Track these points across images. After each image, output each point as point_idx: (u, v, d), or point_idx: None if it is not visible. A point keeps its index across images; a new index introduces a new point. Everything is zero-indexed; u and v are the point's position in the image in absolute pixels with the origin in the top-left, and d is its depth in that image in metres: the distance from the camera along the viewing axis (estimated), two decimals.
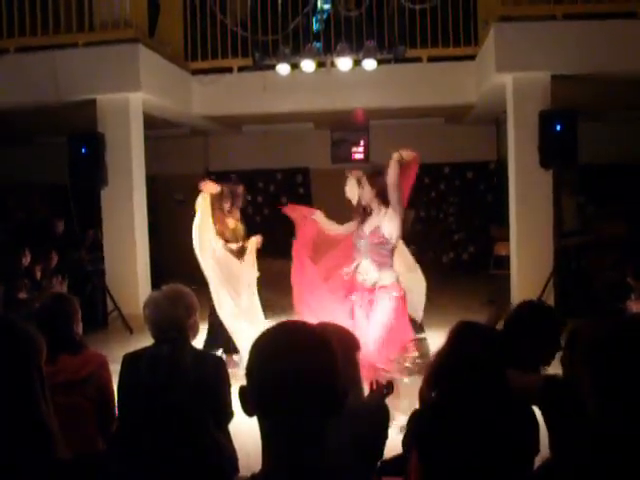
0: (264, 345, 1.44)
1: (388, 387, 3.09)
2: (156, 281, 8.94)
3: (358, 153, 13.99)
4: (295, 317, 5.61)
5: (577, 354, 2.90)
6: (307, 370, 1.37)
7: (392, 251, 5.44)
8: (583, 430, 2.18)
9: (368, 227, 5.43)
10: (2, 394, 1.62)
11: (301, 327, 1.48)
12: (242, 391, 1.43)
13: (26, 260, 9.00)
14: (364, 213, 5.51)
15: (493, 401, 2.61)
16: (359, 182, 5.47)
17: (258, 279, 7.04)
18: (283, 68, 9.70)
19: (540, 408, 3.02)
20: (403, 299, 5.41)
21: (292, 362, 1.37)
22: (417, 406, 3.18)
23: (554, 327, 3.39)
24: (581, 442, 2.10)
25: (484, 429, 2.55)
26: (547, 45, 8.51)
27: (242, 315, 6.60)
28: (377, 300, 5.34)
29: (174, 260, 10.90)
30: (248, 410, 1.43)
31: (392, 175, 5.23)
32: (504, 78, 8.89)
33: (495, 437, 2.54)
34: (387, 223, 5.32)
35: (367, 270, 5.38)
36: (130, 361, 3.34)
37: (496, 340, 2.76)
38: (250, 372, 1.43)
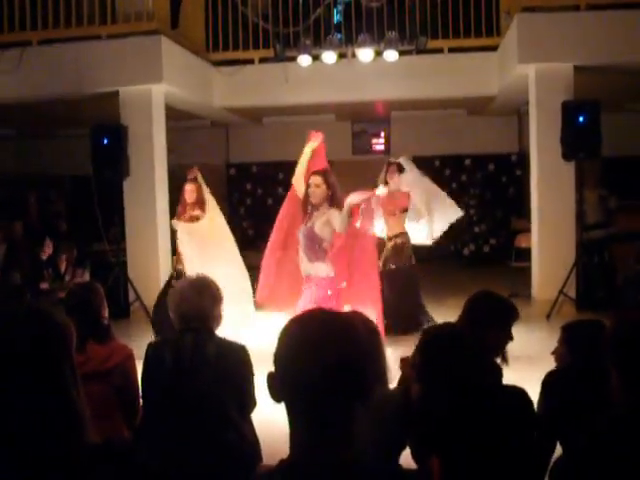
0: (293, 331, 1.45)
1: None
2: None
3: (379, 144, 13.99)
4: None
5: (595, 349, 2.91)
6: (336, 357, 1.38)
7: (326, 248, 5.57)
8: (608, 423, 2.18)
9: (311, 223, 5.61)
10: (33, 381, 1.65)
11: (330, 314, 1.49)
12: (270, 377, 1.45)
13: (48, 250, 9.09)
14: (311, 210, 5.64)
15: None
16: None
17: None
18: (304, 59, 9.69)
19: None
20: (337, 297, 5.54)
21: (321, 349, 1.38)
22: None
23: (508, 315, 3.37)
24: (607, 435, 2.10)
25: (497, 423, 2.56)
26: (570, 36, 8.44)
27: None
28: (312, 292, 5.52)
29: None
30: (276, 396, 1.44)
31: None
32: (527, 69, 8.83)
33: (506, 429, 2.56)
34: (321, 225, 5.49)
35: (302, 261, 5.60)
36: (155, 350, 3.37)
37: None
38: (278, 358, 1.44)
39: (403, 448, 2.87)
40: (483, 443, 2.50)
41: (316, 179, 5.62)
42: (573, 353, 3.09)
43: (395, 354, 3.51)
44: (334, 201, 5.59)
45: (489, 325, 3.17)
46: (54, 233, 10.28)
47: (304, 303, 5.43)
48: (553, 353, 3.26)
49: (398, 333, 7.33)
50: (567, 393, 2.92)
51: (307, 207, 5.64)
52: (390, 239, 8.18)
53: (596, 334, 2.94)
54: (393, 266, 8.06)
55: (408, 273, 8.15)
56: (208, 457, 3.13)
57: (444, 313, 8.31)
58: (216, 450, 3.14)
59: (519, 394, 2.77)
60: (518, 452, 2.57)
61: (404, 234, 8.20)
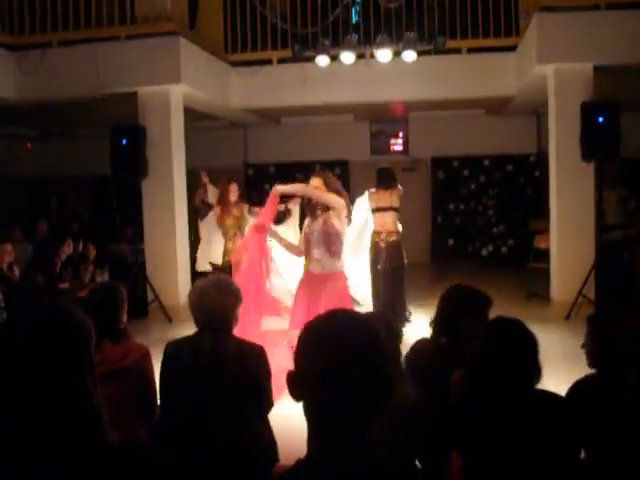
0: (314, 331, 1.45)
1: None
2: (195, 272, 9.02)
3: (397, 145, 13.98)
4: None
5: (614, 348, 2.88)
6: (356, 357, 1.38)
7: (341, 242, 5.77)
8: (632, 425, 2.16)
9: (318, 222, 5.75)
10: (54, 380, 1.66)
11: (350, 315, 1.50)
12: (290, 376, 1.45)
13: (69, 250, 9.16)
14: (315, 211, 5.75)
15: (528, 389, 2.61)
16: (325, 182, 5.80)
17: None
18: (322, 60, 9.68)
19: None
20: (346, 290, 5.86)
21: (341, 349, 1.38)
22: None
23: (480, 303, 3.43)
24: (629, 436, 2.09)
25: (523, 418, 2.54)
26: (589, 36, 8.37)
27: None
28: (326, 289, 5.65)
29: None
30: (295, 395, 1.45)
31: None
32: (545, 69, 8.77)
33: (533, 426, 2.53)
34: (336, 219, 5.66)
35: (321, 257, 5.70)
36: (173, 349, 3.38)
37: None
38: (299, 357, 1.45)
39: (419, 448, 2.87)
40: (520, 446, 2.48)
41: (315, 180, 5.72)
42: (600, 343, 3.05)
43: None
44: None
45: (464, 315, 3.28)
46: (67, 234, 10.32)
47: (326, 301, 5.49)
48: (582, 347, 3.23)
49: None
50: (593, 403, 2.88)
51: (313, 208, 5.75)
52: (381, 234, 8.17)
53: (622, 324, 2.94)
54: (395, 264, 8.09)
55: (401, 271, 8.23)
56: (225, 457, 3.13)
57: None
58: (233, 450, 3.15)
59: (561, 402, 2.74)
60: (549, 458, 2.55)
61: (398, 232, 8.21)
